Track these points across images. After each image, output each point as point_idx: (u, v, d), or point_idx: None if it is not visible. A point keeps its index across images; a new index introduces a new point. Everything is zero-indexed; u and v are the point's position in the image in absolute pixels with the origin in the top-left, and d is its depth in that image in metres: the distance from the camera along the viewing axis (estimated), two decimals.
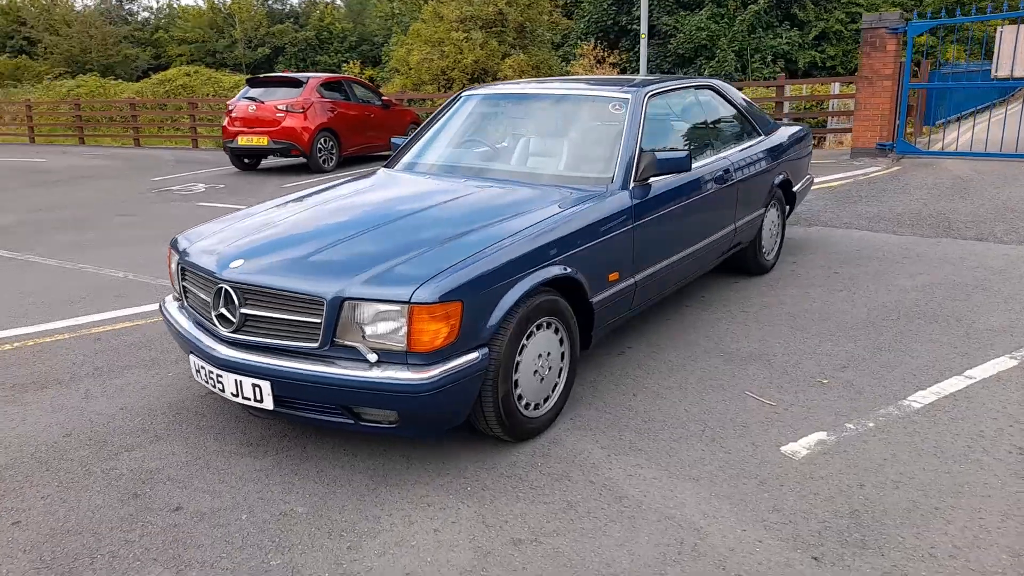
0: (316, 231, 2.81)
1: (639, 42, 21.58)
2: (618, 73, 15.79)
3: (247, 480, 2.54)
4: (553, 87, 3.85)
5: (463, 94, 4.13)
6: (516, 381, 2.64)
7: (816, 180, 8.29)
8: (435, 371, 2.33)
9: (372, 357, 2.35)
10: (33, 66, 28.05)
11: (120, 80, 24.91)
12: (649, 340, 3.76)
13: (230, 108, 10.67)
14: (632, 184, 3.24)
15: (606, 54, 15.30)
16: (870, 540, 2.17)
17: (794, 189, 4.95)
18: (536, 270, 2.62)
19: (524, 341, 2.64)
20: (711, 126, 4.07)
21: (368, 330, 2.35)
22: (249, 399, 2.51)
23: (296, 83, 10.51)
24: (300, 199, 3.40)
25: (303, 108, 10.18)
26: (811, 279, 4.69)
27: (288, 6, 41.78)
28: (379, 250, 2.58)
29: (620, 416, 2.97)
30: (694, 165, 3.73)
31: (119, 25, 36.53)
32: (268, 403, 2.47)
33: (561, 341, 2.85)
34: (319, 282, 2.41)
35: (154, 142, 17.73)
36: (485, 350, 2.47)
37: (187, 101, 17.02)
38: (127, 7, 42.55)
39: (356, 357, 2.37)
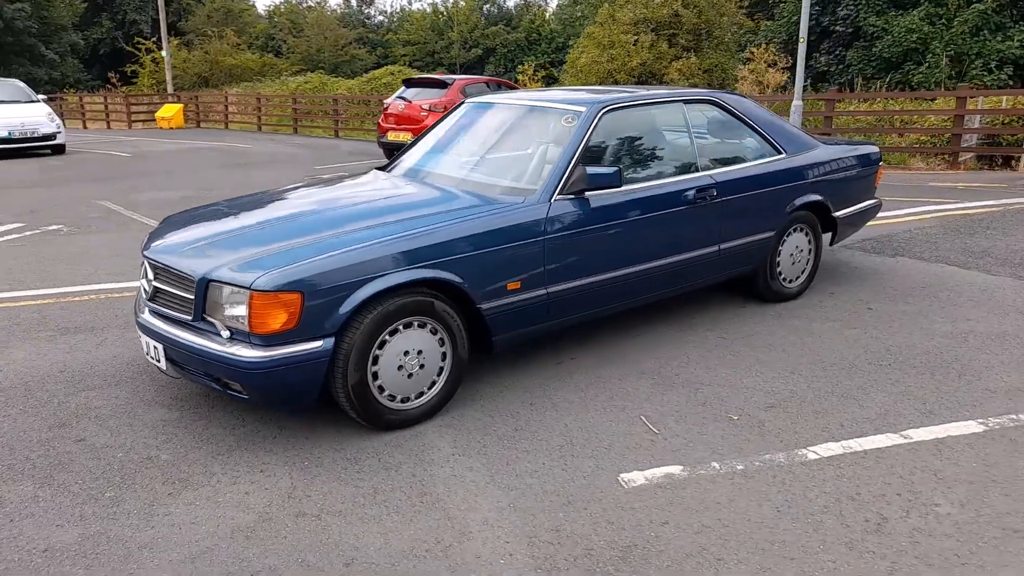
0: (236, 222, 3.21)
1: (839, 44, 19.95)
2: (786, 79, 14.75)
3: (148, 427, 3.00)
4: (529, 98, 3.94)
5: (465, 101, 4.34)
6: (375, 373, 2.84)
7: (955, 206, 7.36)
8: (272, 352, 2.61)
9: (225, 333, 2.69)
10: (277, 63, 32.10)
11: (340, 78, 27.74)
12: (598, 353, 3.73)
13: (386, 106, 11.64)
14: (556, 197, 3.27)
15: (777, 58, 14.38)
16: None
17: (835, 215, 4.54)
18: (397, 271, 2.79)
19: (386, 336, 2.84)
20: (696, 142, 3.90)
21: (225, 310, 2.69)
22: (153, 358, 2.96)
23: (443, 84, 11.21)
24: (268, 192, 3.83)
25: (444, 108, 10.83)
26: (833, 313, 4.30)
27: (502, 9, 43.60)
28: (266, 241, 2.91)
29: (496, 421, 3.05)
30: (654, 182, 3.65)
31: (354, 28, 40.47)
32: (163, 363, 2.91)
33: (441, 342, 3.00)
34: (196, 264, 2.80)
35: (354, 134, 19.63)
36: (332, 340, 2.70)
37: (379, 98, 18.63)
38: (365, 11, 47.06)
39: (217, 331, 2.73)
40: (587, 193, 3.37)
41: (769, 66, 13.92)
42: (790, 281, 4.45)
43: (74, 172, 11.70)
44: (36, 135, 13.67)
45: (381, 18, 47.70)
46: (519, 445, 2.86)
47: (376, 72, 24.53)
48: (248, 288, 2.60)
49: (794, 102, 11.09)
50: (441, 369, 3.03)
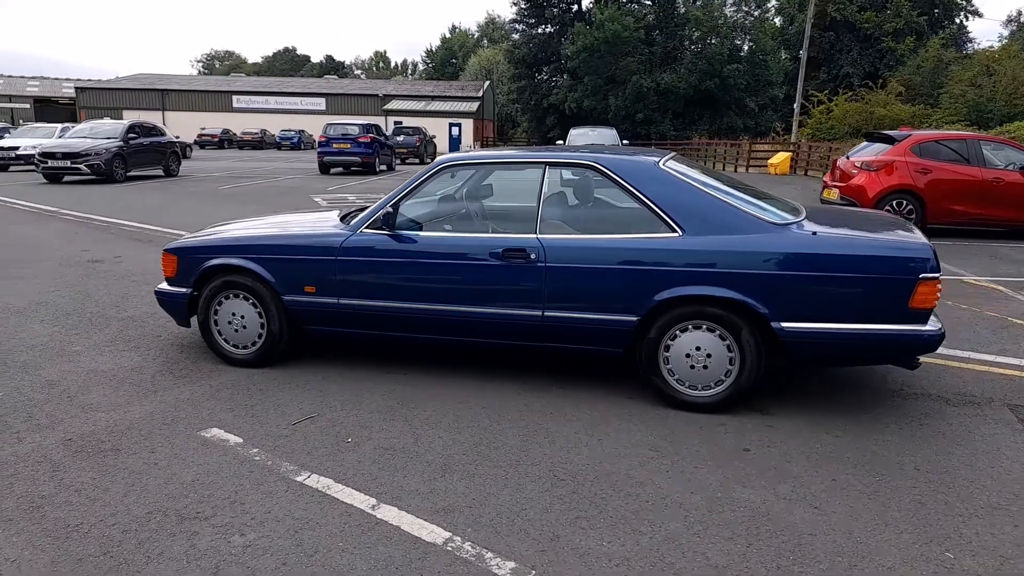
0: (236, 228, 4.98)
1: None
2: None
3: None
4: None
5: None
6: (216, 320, 4.35)
7: None
8: (168, 288, 4.46)
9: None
10: (931, 114, 29.67)
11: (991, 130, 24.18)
12: (424, 381, 4.11)
13: (835, 160, 10.80)
14: (363, 230, 4.03)
15: None
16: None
17: (780, 326, 3.41)
18: (220, 256, 4.22)
19: (222, 299, 4.31)
20: (543, 205, 3.75)
21: None
22: None
23: (891, 140, 9.81)
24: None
25: (878, 167, 9.54)
26: (694, 440, 3.39)
27: None
28: (209, 232, 4.67)
29: (252, 385, 4.05)
30: (459, 233, 3.96)
31: None
32: None
33: (260, 315, 4.26)
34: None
35: None
36: (190, 290, 4.36)
37: None
38: None
39: None
40: (405, 232, 3.97)
41: None
42: (693, 387, 3.64)
43: None
44: None
45: None
46: (229, 397, 3.87)
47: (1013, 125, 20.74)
48: (164, 249, 4.50)
49: None
50: (261, 335, 4.28)
